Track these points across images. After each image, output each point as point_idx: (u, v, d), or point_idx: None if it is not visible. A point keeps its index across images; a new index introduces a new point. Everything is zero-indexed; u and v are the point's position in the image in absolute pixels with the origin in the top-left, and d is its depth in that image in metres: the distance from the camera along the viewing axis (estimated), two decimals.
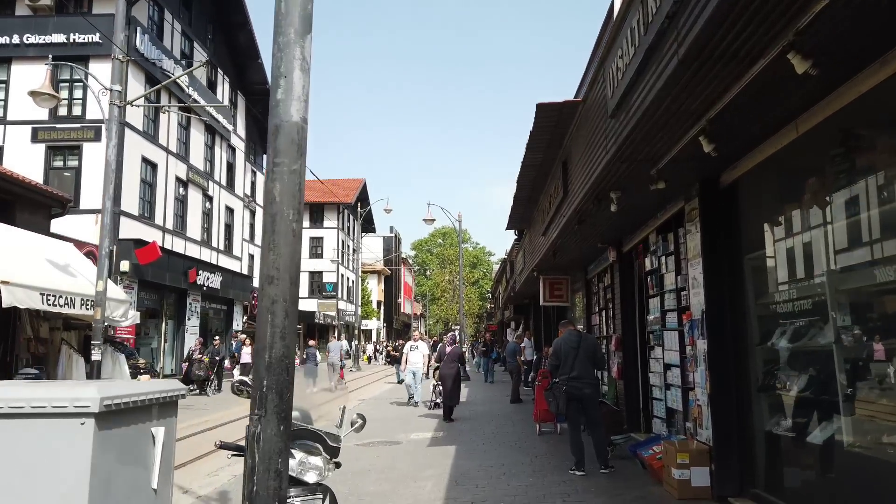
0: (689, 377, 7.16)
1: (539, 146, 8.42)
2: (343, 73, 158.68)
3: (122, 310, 15.53)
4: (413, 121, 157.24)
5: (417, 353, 15.23)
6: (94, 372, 11.18)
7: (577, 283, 14.02)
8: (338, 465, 3.64)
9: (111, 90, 11.90)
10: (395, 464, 8.38)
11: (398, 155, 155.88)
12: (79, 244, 17.02)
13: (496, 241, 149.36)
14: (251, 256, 34.50)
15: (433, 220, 26.50)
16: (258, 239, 35.73)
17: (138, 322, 19.09)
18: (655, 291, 8.51)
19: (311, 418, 3.83)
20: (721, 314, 6.25)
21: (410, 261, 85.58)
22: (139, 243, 18.91)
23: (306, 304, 45.84)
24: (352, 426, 3.83)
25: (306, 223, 49.50)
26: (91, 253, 17.76)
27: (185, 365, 18.59)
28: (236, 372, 18.58)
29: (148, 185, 20.98)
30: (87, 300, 14.24)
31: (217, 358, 18.50)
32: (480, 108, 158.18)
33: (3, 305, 11.55)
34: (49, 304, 12.92)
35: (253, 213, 34.91)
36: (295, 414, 3.86)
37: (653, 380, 8.71)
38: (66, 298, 13.35)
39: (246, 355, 18.89)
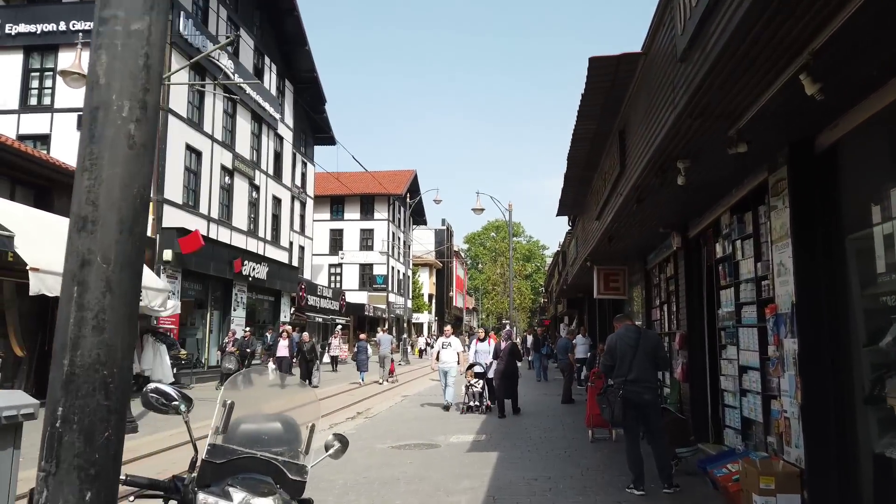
0: (771, 383, 6.00)
1: (592, 113, 7.34)
2: (395, 65, 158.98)
3: (161, 299, 15.17)
4: (465, 113, 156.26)
5: (450, 352, 13.51)
6: None
7: (636, 275, 12.83)
8: None
9: None
10: (428, 472, 7.49)
11: (450, 148, 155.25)
12: None
13: (550, 235, 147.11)
14: (301, 248, 34.31)
15: (482, 210, 25.54)
16: (308, 230, 35.54)
17: (180, 312, 18.88)
18: (729, 281, 7.33)
19: (296, 430, 2.92)
20: (816, 307, 5.10)
21: (463, 254, 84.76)
22: (182, 232, 18.62)
23: (357, 297, 45.59)
24: (326, 451, 2.87)
25: (356, 215, 49.26)
26: None
27: (219, 358, 18.20)
28: (271, 366, 17.96)
29: (192, 174, 20.71)
30: None
31: (248, 350, 17.75)
32: (534, 99, 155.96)
33: (31, 293, 11.22)
34: None
35: (303, 205, 34.69)
36: (271, 427, 2.95)
37: (725, 384, 7.54)
38: None
39: (282, 348, 17.91)
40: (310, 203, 36.17)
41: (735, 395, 7.12)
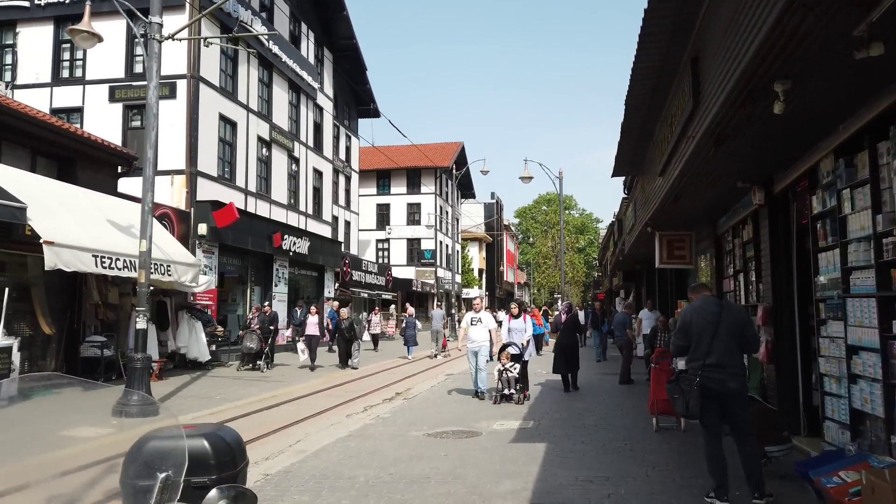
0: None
1: (658, 37, 5.98)
2: (437, 34, 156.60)
3: (191, 274, 14.49)
4: (513, 83, 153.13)
5: (481, 329, 11.33)
6: (138, 341, 10.00)
7: (703, 241, 11.37)
8: None
9: (150, 22, 10.50)
10: (464, 468, 6.41)
11: (498, 122, 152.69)
12: (153, 206, 16.18)
13: (604, 208, 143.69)
14: (347, 223, 33.60)
15: (531, 178, 24.12)
16: (354, 205, 34.78)
17: (215, 287, 18.30)
18: (831, 242, 5.93)
19: None
20: None
21: (513, 228, 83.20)
22: (217, 205, 17.95)
23: (404, 272, 44.86)
24: None
25: (403, 189, 48.34)
26: (166, 215, 16.93)
27: (241, 335, 17.26)
28: (301, 346, 16.46)
29: (227, 145, 20.00)
30: (155, 264, 13.19)
31: (271, 327, 16.34)
32: (584, 67, 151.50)
33: (46, 267, 10.60)
34: (104, 267, 11.91)
35: (348, 179, 33.91)
36: None
37: (824, 366, 6.16)
38: (125, 261, 12.30)
39: (311, 325, 16.41)
40: (355, 177, 35.38)
41: (840, 382, 5.76)
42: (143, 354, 9.88)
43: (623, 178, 22.87)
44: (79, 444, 2.11)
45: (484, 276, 65.89)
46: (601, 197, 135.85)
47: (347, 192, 34.15)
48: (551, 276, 76.32)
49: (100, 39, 10.76)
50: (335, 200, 31.70)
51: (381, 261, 46.06)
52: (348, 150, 34.36)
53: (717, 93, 5.08)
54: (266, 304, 17.68)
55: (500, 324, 12.00)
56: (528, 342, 11.32)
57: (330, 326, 21.13)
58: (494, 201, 67.37)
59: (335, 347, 16.53)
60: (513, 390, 10.62)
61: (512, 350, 10.96)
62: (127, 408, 8.39)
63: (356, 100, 35.05)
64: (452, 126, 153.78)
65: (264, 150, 22.25)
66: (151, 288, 10.47)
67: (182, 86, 18.12)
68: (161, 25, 10.70)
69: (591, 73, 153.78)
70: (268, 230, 21.09)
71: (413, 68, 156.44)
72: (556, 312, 17.75)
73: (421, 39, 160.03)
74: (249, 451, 7.53)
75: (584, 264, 76.11)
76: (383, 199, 48.59)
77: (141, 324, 9.96)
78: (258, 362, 15.79)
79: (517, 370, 10.73)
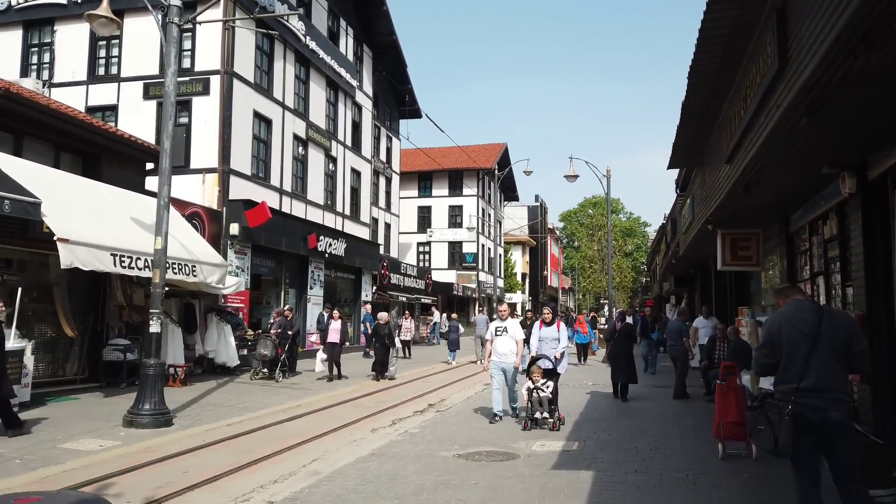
0: None
1: None
2: (482, 33, 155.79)
3: (218, 275, 13.87)
4: (559, 86, 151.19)
5: (507, 340, 9.32)
6: (152, 345, 9.35)
7: (772, 240, 10.13)
8: None
9: (169, 5, 9.87)
10: (496, 502, 5.45)
11: (542, 125, 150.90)
12: (183, 205, 15.70)
13: (652, 212, 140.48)
14: (387, 226, 32.96)
15: (576, 177, 22.94)
16: (394, 207, 34.11)
17: (246, 289, 17.73)
18: None
19: None
20: None
21: (558, 232, 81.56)
22: (249, 204, 17.39)
23: (444, 276, 44.03)
24: None
25: (444, 191, 47.54)
26: (196, 215, 16.43)
27: (252, 337, 16.41)
28: (321, 356, 15.08)
29: (262, 143, 19.48)
30: (178, 264, 12.65)
31: (290, 332, 14.93)
32: (631, 65, 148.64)
33: (62, 266, 10.04)
34: (124, 266, 11.32)
35: (389, 180, 33.29)
36: None
37: None
38: (147, 261, 11.71)
39: (333, 332, 14.75)
40: (395, 179, 34.74)
41: None
42: (156, 360, 9.22)
43: (676, 176, 21.57)
44: None
45: (527, 280, 64.58)
46: (650, 200, 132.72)
47: (388, 193, 33.52)
48: (597, 280, 74.45)
49: (118, 26, 10.18)
50: (375, 202, 31.09)
51: (421, 264, 45.35)
52: (389, 151, 33.75)
53: (814, 45, 4.01)
54: (287, 307, 16.61)
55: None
56: (561, 355, 9.56)
57: (369, 330, 20.23)
58: (538, 204, 66.02)
59: (372, 353, 15.42)
60: (545, 413, 8.84)
61: (543, 364, 9.22)
62: (138, 418, 7.62)
63: (397, 100, 34.42)
64: (496, 128, 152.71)
65: (300, 148, 21.70)
66: (167, 289, 9.82)
67: (216, 81, 17.65)
68: (181, 9, 10.06)
69: (640, 72, 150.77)
70: (303, 231, 20.50)
71: (455, 67, 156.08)
72: (612, 320, 16.69)
73: (463, 37, 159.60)
74: (260, 470, 6.68)
75: (631, 269, 74.03)
76: (425, 202, 47.89)
77: (154, 327, 9.31)
78: (275, 370, 14.49)
79: (550, 388, 8.96)
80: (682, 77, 6.08)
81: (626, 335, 12.54)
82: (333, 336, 14.80)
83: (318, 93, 22.77)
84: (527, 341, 9.75)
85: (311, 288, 21.48)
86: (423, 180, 48.05)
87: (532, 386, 8.92)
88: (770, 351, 4.13)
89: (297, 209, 21.16)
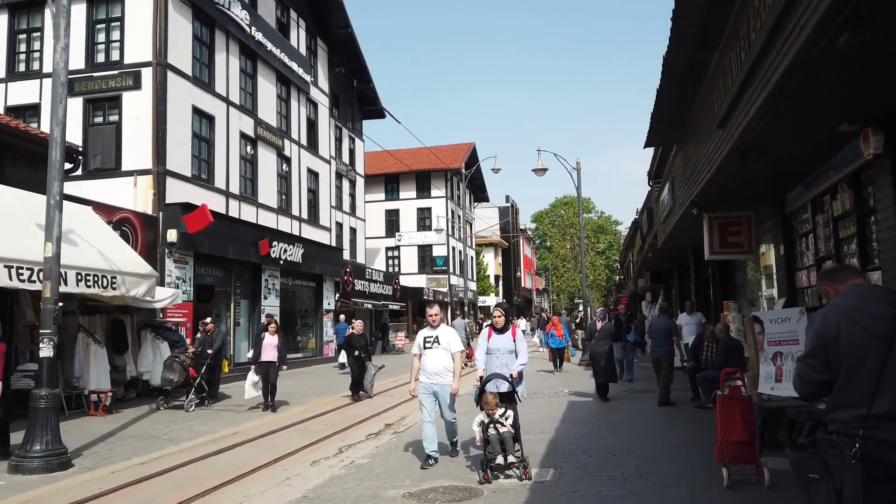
0: None
1: None
2: (443, 33, 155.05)
3: (146, 287, 12.24)
4: (525, 85, 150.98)
5: (439, 354, 6.98)
6: (43, 373, 7.81)
7: (767, 223, 8.94)
8: None
9: None
10: None
11: (509, 126, 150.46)
12: (109, 210, 14.05)
13: (622, 211, 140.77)
14: (353, 231, 31.46)
15: (545, 170, 21.74)
16: (360, 211, 32.61)
17: (187, 301, 16.13)
18: None
19: None
20: None
21: (530, 233, 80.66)
22: (189, 208, 15.81)
23: (415, 281, 42.60)
24: None
25: (412, 193, 46.17)
26: (127, 220, 14.78)
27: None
28: (251, 376, 12.08)
29: (203, 142, 17.91)
30: (94, 275, 11.07)
31: (209, 351, 12.31)
32: (599, 67, 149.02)
33: None
34: (21, 280, 9.71)
35: (353, 183, 31.81)
36: None
37: None
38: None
39: (269, 348, 11.82)
40: (360, 182, 33.28)
41: None
42: (48, 391, 7.66)
43: (648, 168, 20.49)
44: None
45: (500, 282, 63.45)
46: (620, 200, 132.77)
47: (353, 196, 32.05)
48: (571, 279, 73.64)
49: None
50: (339, 206, 29.63)
51: (391, 269, 43.88)
52: (352, 152, 32.29)
53: None
54: (209, 319, 13.62)
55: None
56: (520, 374, 6.90)
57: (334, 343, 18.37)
58: (509, 205, 65.01)
59: (347, 367, 13.55)
60: (511, 456, 6.26)
61: (495, 387, 6.59)
62: (25, 461, 5.75)
63: (359, 99, 32.99)
64: (463, 130, 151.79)
65: (249, 147, 20.14)
66: (60, 304, 8.23)
67: (147, 74, 16.06)
68: None
69: (608, 74, 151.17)
70: (253, 236, 18.95)
71: (422, 73, 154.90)
72: (591, 319, 15.46)
73: (430, 42, 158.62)
74: None
75: (605, 267, 73.37)
76: (392, 205, 46.45)
77: (45, 351, 7.75)
78: (189, 397, 11.91)
79: (511, 420, 6.32)
80: (649, 77, 4.82)
81: (607, 333, 12.26)
82: (269, 353, 11.84)
83: (267, 88, 21.24)
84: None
85: (266, 298, 19.91)
86: (389, 183, 46.61)
87: (486, 420, 6.30)
88: (823, 362, 2.82)
89: (247, 213, 19.61)
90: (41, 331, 7.90)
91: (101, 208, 13.52)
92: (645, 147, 10.21)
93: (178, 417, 11.32)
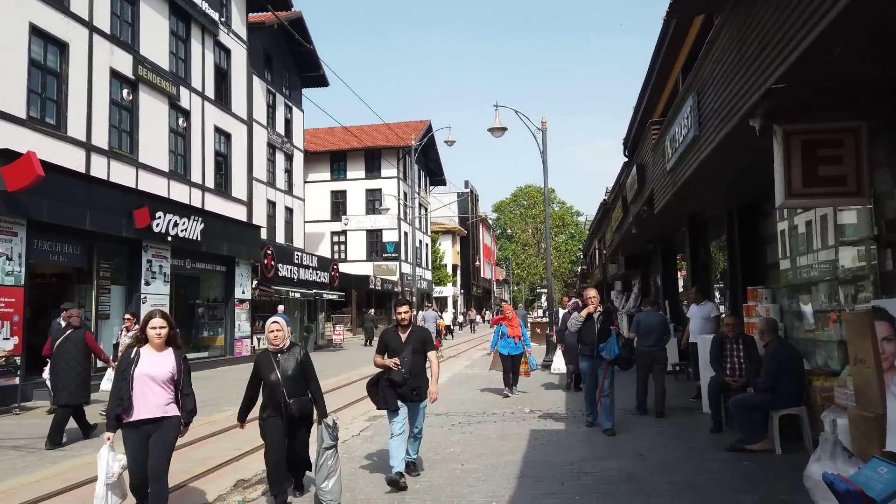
0: None
1: None
2: (415, 20, 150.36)
3: None
4: (485, 66, 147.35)
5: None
6: None
7: (885, 142, 5.12)
8: None
9: None
10: None
11: (467, 107, 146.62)
12: None
13: (584, 203, 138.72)
14: (289, 210, 27.16)
15: (504, 130, 17.81)
16: (298, 189, 28.33)
17: (17, 285, 11.79)
18: None
19: None
20: None
21: (491, 222, 77.06)
22: (11, 156, 11.43)
23: (363, 268, 38.44)
24: None
25: (360, 173, 41.92)
26: None
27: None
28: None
29: (50, 74, 13.45)
30: None
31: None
32: (561, 54, 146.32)
33: None
34: None
35: (289, 157, 27.49)
36: None
37: None
38: None
39: (151, 386, 5.90)
40: (298, 156, 28.99)
41: None
42: None
43: (624, 139, 16.79)
44: None
45: (458, 272, 59.66)
46: (581, 194, 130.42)
47: (289, 172, 27.74)
48: (533, 266, 70.28)
49: None
50: (271, 182, 25.34)
51: (337, 255, 39.61)
52: (289, 122, 27.99)
53: None
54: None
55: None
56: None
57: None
58: (469, 190, 61.17)
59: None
60: None
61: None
62: None
63: (299, 64, 28.66)
64: (420, 112, 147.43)
65: (125, 90, 15.70)
66: None
67: None
68: None
69: (574, 64, 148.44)
70: (127, 204, 14.59)
71: (381, 52, 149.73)
72: (563, 311, 11.61)
73: (389, 22, 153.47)
74: None
75: (567, 261, 70.31)
76: (339, 185, 42.12)
77: None
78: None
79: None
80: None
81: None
82: (152, 400, 6.72)
83: (154, 19, 16.78)
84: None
85: (149, 283, 15.56)
86: (336, 161, 42.26)
87: None
88: None
89: (122, 174, 15.21)
90: None
91: None
92: (669, 17, 6.26)
93: None
